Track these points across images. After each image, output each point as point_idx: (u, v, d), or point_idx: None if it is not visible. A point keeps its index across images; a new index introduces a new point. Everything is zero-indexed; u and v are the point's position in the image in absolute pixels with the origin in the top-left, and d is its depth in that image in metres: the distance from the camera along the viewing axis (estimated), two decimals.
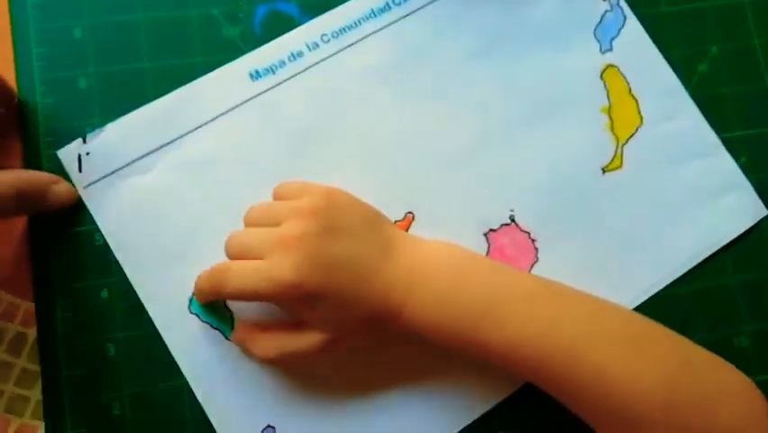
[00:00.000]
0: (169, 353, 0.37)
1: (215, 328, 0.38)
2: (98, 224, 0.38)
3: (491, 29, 0.42)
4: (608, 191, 0.41)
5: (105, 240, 0.38)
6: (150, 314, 0.37)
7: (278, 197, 0.37)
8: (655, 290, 0.40)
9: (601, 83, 0.42)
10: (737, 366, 0.33)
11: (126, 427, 0.37)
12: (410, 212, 0.39)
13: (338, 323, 0.34)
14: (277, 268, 0.32)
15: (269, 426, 0.37)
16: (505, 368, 0.33)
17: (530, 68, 0.42)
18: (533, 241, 0.40)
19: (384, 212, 0.37)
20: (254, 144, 0.39)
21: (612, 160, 0.41)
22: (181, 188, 0.38)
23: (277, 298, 0.33)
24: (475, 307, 0.33)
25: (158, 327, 0.37)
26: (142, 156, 0.38)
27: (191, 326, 0.37)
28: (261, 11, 0.41)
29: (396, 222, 0.39)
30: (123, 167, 0.38)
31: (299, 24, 0.41)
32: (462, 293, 0.33)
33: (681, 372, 0.32)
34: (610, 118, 0.42)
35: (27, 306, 0.37)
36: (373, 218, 0.36)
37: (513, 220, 0.40)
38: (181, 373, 0.37)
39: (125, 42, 0.39)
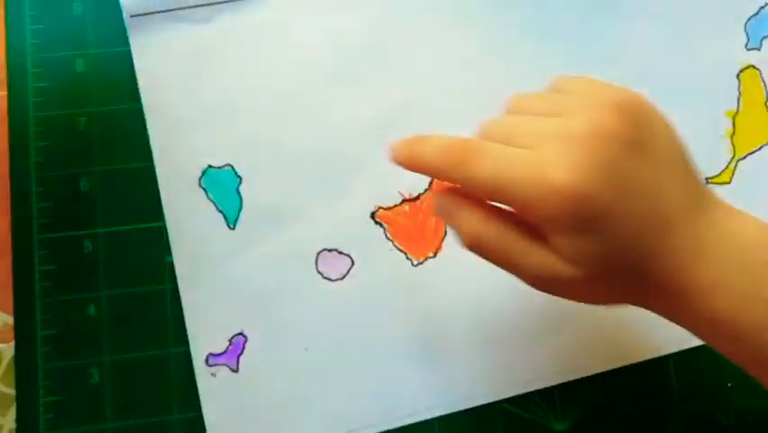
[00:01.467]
0: (159, 383, 0.33)
1: (220, 212, 0.33)
2: (136, 69, 0.34)
3: None
4: None
5: (94, 247, 0.33)
6: (158, 180, 0.34)
7: (555, 90, 0.27)
8: None
9: (736, 83, 0.36)
10: None
11: None
12: None
13: (603, 266, 0.23)
14: (552, 164, 0.22)
15: (240, 333, 0.33)
16: None
17: (662, 46, 0.36)
18: None
19: None
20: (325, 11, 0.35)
21: (721, 172, 0.35)
22: (235, 52, 0.34)
23: (538, 206, 0.23)
24: None
25: (162, 195, 0.33)
26: (201, 5, 0.34)
27: (196, 200, 0.33)
28: None
29: None
30: (179, 9, 0.34)
31: None
32: None
33: None
34: (734, 125, 0.36)
35: (5, 318, 0.33)
36: (685, 156, 0.25)
37: None
38: (176, 407, 0.32)
39: None
